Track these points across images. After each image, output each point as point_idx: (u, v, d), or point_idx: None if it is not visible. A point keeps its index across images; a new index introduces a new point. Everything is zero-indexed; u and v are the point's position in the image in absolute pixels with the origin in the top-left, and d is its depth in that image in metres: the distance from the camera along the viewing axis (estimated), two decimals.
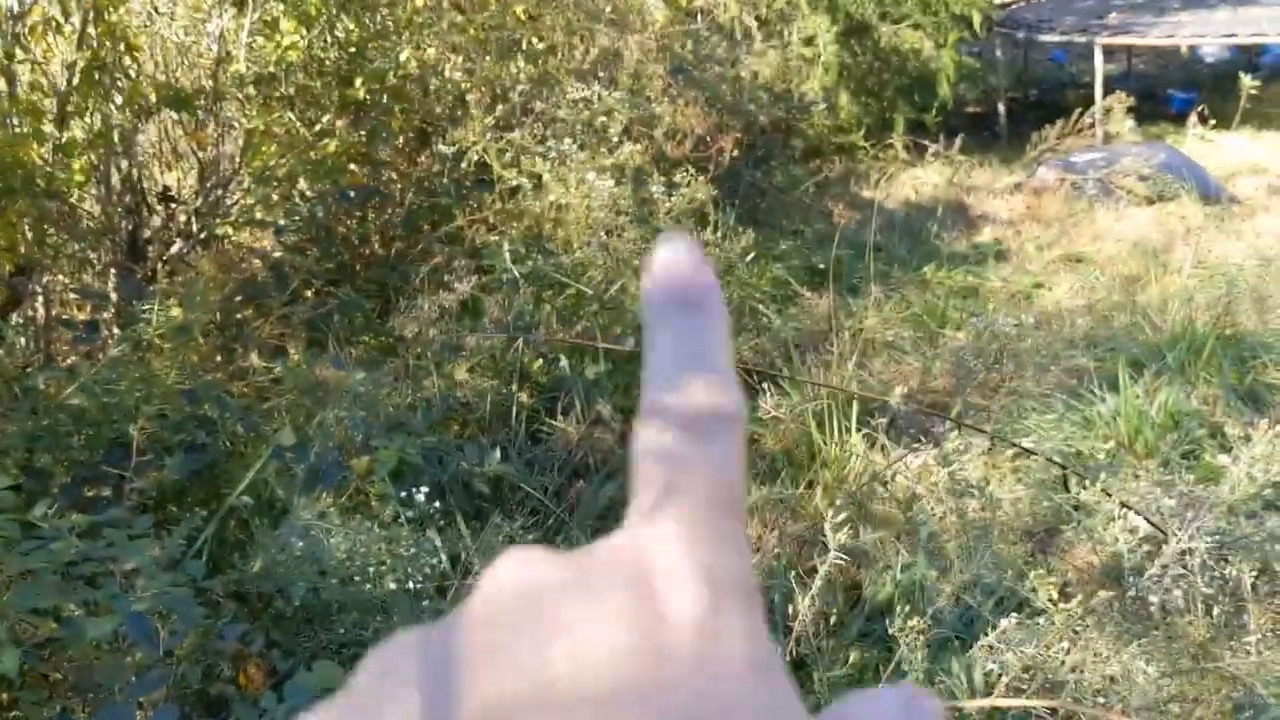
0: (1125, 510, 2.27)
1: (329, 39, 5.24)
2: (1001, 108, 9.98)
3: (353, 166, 5.37)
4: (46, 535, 2.25)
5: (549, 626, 0.24)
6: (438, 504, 2.77)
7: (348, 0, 5.14)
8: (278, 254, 4.99)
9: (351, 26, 5.27)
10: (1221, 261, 6.32)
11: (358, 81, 5.04)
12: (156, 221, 4.97)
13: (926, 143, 7.83)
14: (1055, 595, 2.25)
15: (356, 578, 2.31)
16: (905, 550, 3.33)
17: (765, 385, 4.50)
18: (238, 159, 5.04)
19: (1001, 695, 2.08)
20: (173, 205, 5.04)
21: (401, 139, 5.57)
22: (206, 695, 2.30)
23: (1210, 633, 2.26)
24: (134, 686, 2.10)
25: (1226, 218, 7.18)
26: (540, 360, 4.33)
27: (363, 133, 5.29)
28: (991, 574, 2.77)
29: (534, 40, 5.49)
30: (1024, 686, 2.21)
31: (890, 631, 2.23)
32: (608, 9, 5.56)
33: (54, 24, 4.21)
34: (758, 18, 7.91)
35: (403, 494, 2.63)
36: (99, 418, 3.13)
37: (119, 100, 4.48)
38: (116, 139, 4.50)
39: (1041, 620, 2.26)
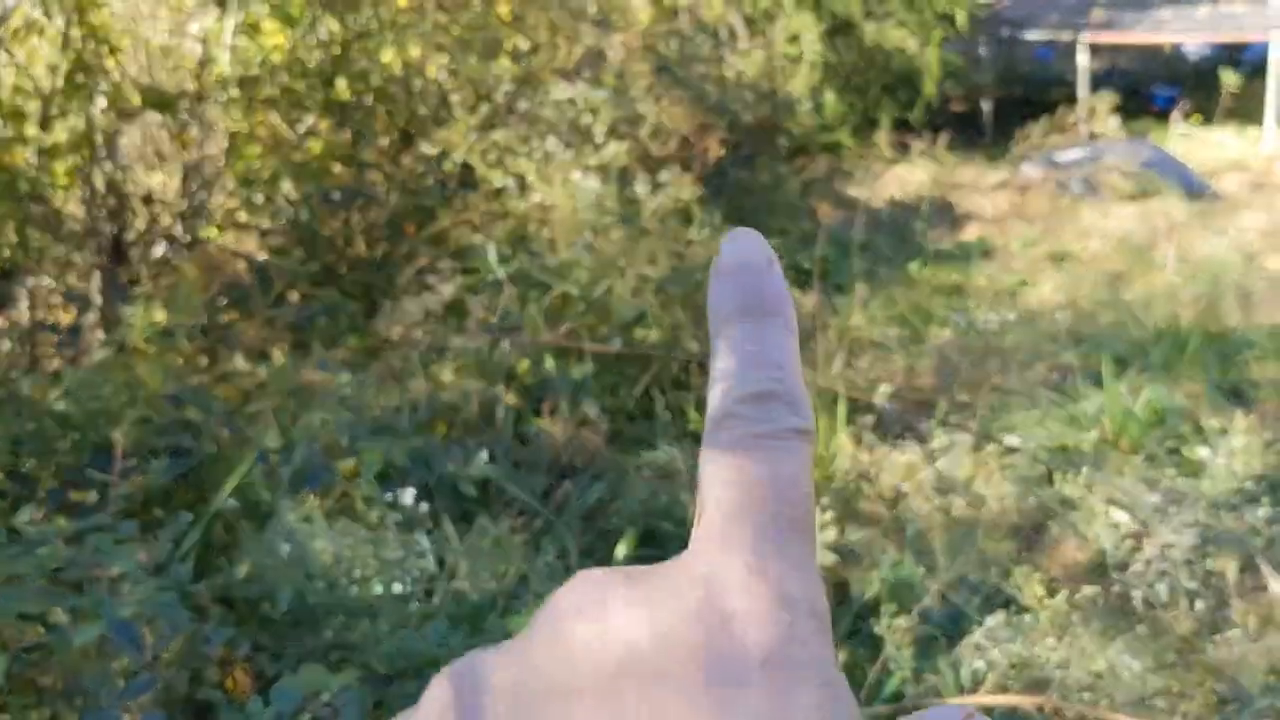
0: (1109, 506, 2.28)
1: (312, 40, 5.23)
2: (986, 105, 10.01)
3: (337, 168, 5.36)
4: (32, 540, 2.24)
5: (631, 674, 0.24)
6: (425, 506, 2.77)
7: (331, 1, 5.13)
8: (262, 256, 4.98)
9: (335, 27, 5.26)
10: (1205, 258, 6.35)
11: (341, 82, 5.03)
12: (140, 224, 4.95)
13: (911, 140, 7.85)
14: (1041, 592, 2.26)
15: (343, 581, 2.31)
16: (892, 548, 3.34)
17: None
18: (221, 161, 5.02)
19: (989, 693, 2.09)
20: (156, 208, 5.03)
21: (385, 140, 5.56)
22: (193, 700, 2.30)
23: (1194, 627, 2.27)
24: (121, 692, 2.09)
25: (1209, 214, 7.22)
26: (527, 361, 4.33)
27: (347, 134, 5.29)
28: (978, 571, 2.78)
29: (518, 40, 5.49)
30: (1011, 683, 2.22)
31: (877, 630, 2.23)
32: (592, 8, 5.56)
33: (37, 27, 4.19)
34: (742, 16, 7.93)
35: (389, 496, 2.62)
36: (83, 422, 3.12)
37: (102, 103, 4.47)
38: (100, 141, 4.49)
39: (1028, 617, 2.27)
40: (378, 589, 2.30)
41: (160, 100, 4.57)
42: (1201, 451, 2.70)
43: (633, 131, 5.31)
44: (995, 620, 2.15)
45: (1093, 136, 8.57)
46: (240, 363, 3.75)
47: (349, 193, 5.06)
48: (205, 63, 4.82)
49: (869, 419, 4.11)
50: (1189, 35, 10.08)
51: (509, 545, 2.80)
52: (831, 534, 2.28)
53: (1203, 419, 4.16)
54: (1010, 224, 7.33)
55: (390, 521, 2.62)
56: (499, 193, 5.11)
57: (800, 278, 5.85)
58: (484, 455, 3.07)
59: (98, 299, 4.30)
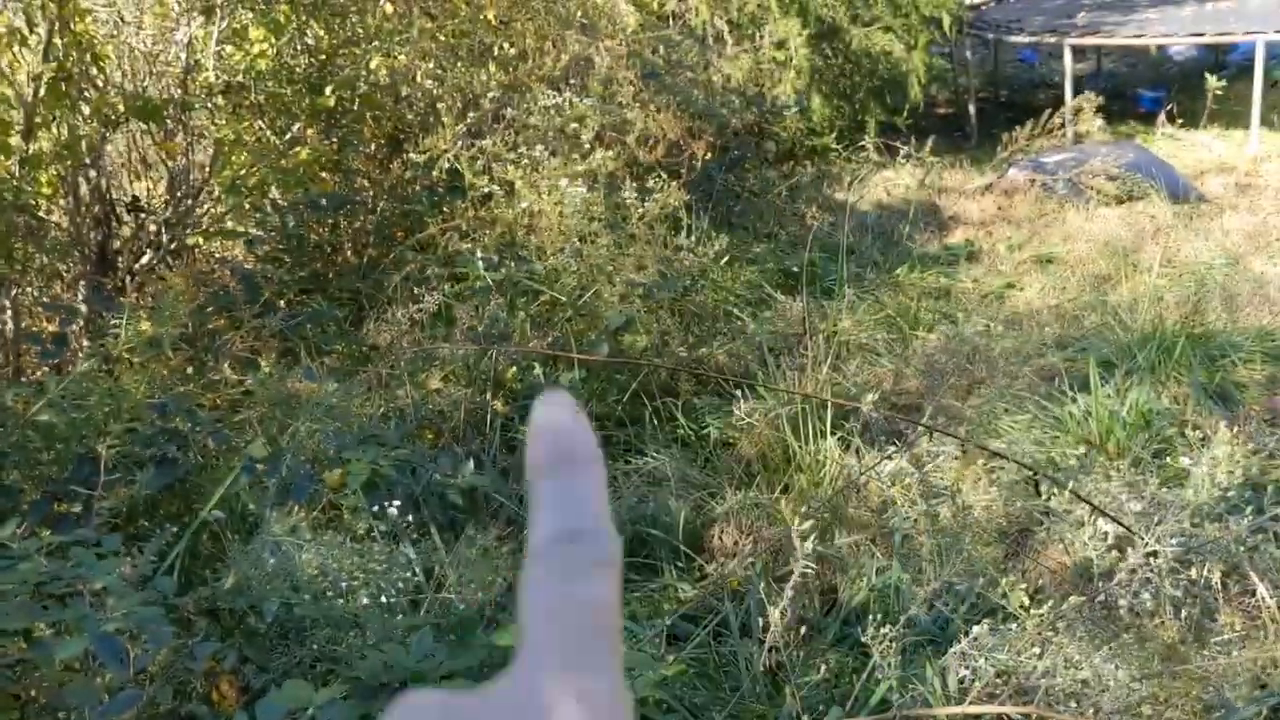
0: (1095, 514, 2.29)
1: (298, 47, 5.22)
2: (972, 109, 10.04)
3: (324, 175, 5.35)
4: (15, 555, 2.23)
5: None
6: (411, 517, 2.76)
7: (317, 8, 5.12)
8: (249, 264, 4.96)
9: (321, 34, 5.25)
10: (1191, 260, 6.38)
11: (328, 89, 5.02)
12: (126, 232, 4.93)
13: (898, 144, 7.86)
14: (1026, 601, 2.26)
15: (329, 593, 2.30)
16: (880, 554, 3.34)
17: (740, 390, 4.51)
18: (208, 168, 5.01)
19: (975, 701, 2.09)
20: (142, 216, 5.01)
21: (373, 146, 5.56)
22: (178, 714, 2.29)
23: (1179, 635, 2.28)
24: (105, 707, 2.08)
25: (1195, 216, 7.24)
26: (514, 368, 4.33)
27: (334, 141, 5.28)
28: (965, 579, 2.78)
29: (505, 46, 5.48)
30: (997, 692, 2.22)
31: (864, 639, 2.23)
32: (579, 14, 5.56)
33: (19, 36, 4.17)
34: (729, 22, 7.93)
35: (375, 507, 2.62)
36: (68, 433, 3.10)
37: (86, 111, 4.45)
38: (84, 150, 4.47)
39: (1014, 625, 2.28)
40: (364, 601, 2.29)
41: (145, 108, 4.55)
42: (1183, 459, 2.71)
43: (620, 138, 5.31)
44: (981, 629, 2.15)
45: (1078, 139, 8.60)
46: (227, 372, 3.74)
47: (337, 200, 5.05)
48: (191, 70, 4.80)
49: (857, 425, 4.11)
50: (1174, 37, 10.12)
51: (496, 555, 2.80)
52: (815, 542, 2.28)
53: (1188, 422, 4.18)
54: (996, 227, 7.35)
55: (377, 532, 2.61)
56: (486, 199, 5.11)
57: (788, 282, 5.86)
58: (471, 464, 3.06)
59: (83, 308, 4.28)
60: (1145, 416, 4.16)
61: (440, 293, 4.53)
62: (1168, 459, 3.90)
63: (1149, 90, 10.82)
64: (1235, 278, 5.95)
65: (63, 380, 3.12)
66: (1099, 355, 4.73)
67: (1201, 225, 7.08)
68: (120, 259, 4.80)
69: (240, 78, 4.96)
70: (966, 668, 2.13)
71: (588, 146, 5.07)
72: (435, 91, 5.26)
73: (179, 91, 4.82)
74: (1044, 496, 2.58)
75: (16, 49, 4.21)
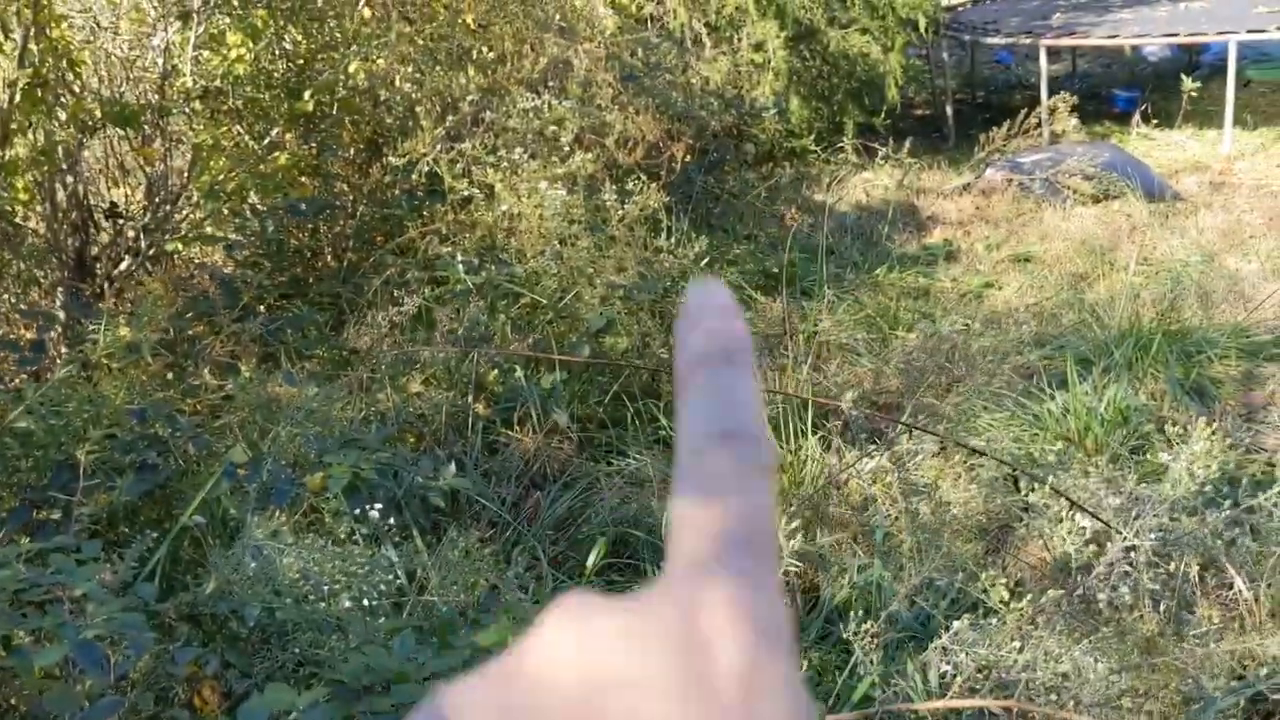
0: (1073, 510, 2.31)
1: (276, 51, 5.20)
2: (949, 110, 10.09)
3: (303, 179, 5.34)
4: None
5: (610, 694, 0.25)
6: (393, 520, 2.76)
7: (295, 12, 5.11)
8: (228, 269, 4.95)
9: (299, 38, 5.24)
10: (1166, 258, 6.43)
11: (306, 94, 5.01)
12: (104, 238, 4.91)
13: (876, 146, 7.90)
14: (1006, 596, 2.28)
15: (311, 596, 2.30)
16: (861, 552, 3.36)
17: None
18: (186, 174, 4.99)
19: (956, 696, 2.10)
20: (120, 222, 4.98)
21: (352, 151, 5.55)
22: None
23: (1158, 628, 2.30)
24: (85, 714, 2.07)
25: (1170, 215, 7.30)
26: (496, 371, 4.32)
27: (313, 145, 5.26)
28: (945, 575, 2.80)
29: (483, 50, 5.48)
30: (978, 686, 2.23)
31: (845, 635, 2.25)
32: (557, 17, 5.57)
33: None
34: (707, 24, 7.96)
35: (357, 510, 2.62)
36: (47, 440, 3.09)
37: (63, 117, 4.43)
38: (61, 156, 4.45)
39: (994, 620, 2.29)
40: (346, 604, 2.29)
41: (122, 114, 4.53)
42: (1162, 455, 2.74)
43: (599, 140, 5.32)
44: (961, 624, 2.17)
45: (1055, 139, 8.66)
46: (207, 377, 3.73)
47: (316, 204, 5.03)
48: (168, 75, 4.78)
49: (837, 424, 4.13)
50: (1148, 38, 10.20)
51: (478, 557, 2.80)
52: (800, 541, 2.29)
53: (1166, 418, 4.21)
54: (974, 227, 7.40)
55: (358, 535, 2.61)
56: (466, 203, 5.11)
57: (768, 283, 5.88)
58: (452, 467, 3.06)
59: (61, 315, 4.26)
60: (1123, 413, 4.19)
61: (420, 296, 4.53)
62: (1145, 455, 3.93)
63: (1124, 90, 10.90)
64: (1210, 275, 6.00)
65: (41, 387, 3.11)
66: (1077, 353, 4.77)
67: (1177, 223, 7.14)
68: (98, 265, 4.78)
69: (218, 83, 4.95)
70: (947, 663, 2.14)
71: (567, 149, 5.08)
72: (414, 95, 5.26)
73: (156, 97, 4.80)
74: (1023, 493, 2.60)
75: None
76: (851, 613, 2.36)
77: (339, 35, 5.21)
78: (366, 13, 5.19)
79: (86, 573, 2.16)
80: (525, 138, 5.08)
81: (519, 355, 4.35)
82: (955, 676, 2.15)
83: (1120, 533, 2.19)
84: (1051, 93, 8.70)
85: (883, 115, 8.87)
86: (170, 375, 3.94)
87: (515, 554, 3.13)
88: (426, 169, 5.02)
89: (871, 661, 2.13)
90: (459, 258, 4.69)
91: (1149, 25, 10.02)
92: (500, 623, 1.86)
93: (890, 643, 2.54)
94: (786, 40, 8.28)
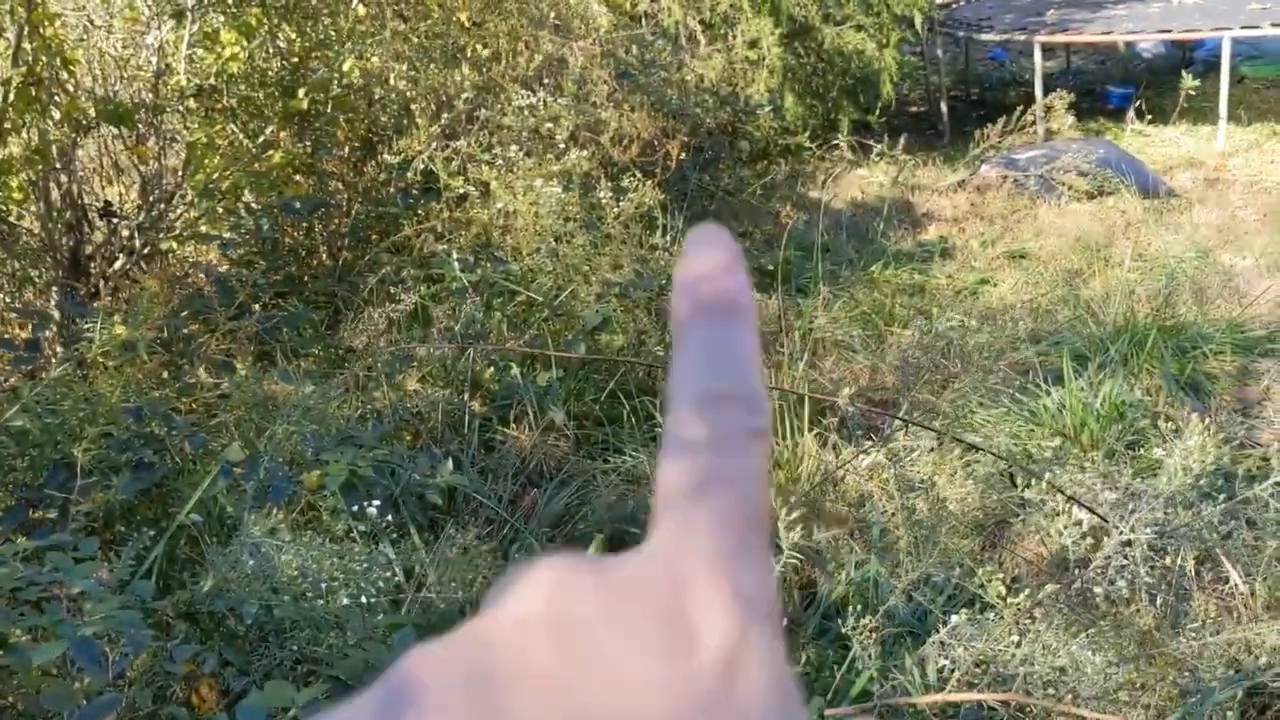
0: (1070, 504, 2.31)
1: (271, 49, 5.19)
2: (944, 107, 10.10)
3: (298, 178, 5.33)
4: None
5: (585, 656, 0.24)
6: (390, 517, 2.76)
7: (289, 10, 5.10)
8: (223, 267, 4.94)
9: (294, 36, 5.23)
10: (1161, 254, 6.44)
11: (301, 92, 5.00)
12: (99, 238, 4.90)
13: (871, 143, 7.90)
14: (1003, 590, 2.28)
15: (309, 594, 2.30)
16: (858, 548, 3.36)
17: None
18: (180, 172, 4.98)
19: (954, 690, 2.11)
20: (115, 221, 4.98)
21: (346, 149, 5.54)
22: (158, 717, 2.28)
23: (1155, 621, 2.31)
24: (83, 712, 2.07)
25: (1165, 211, 7.32)
26: (491, 368, 4.32)
27: (307, 144, 5.26)
28: (941, 570, 2.80)
29: (478, 48, 5.48)
30: (976, 681, 2.24)
31: (844, 630, 2.25)
32: (551, 15, 5.57)
33: None
34: (702, 21, 7.95)
35: (354, 508, 2.61)
36: (42, 439, 3.08)
37: (56, 115, 4.42)
38: (55, 155, 4.44)
39: (991, 615, 2.30)
40: (344, 601, 2.29)
41: (116, 113, 4.52)
42: (1156, 450, 2.74)
43: (594, 137, 5.32)
44: (959, 619, 2.17)
45: (1049, 136, 8.67)
46: (203, 375, 3.72)
47: (311, 203, 5.03)
48: (162, 74, 4.77)
49: (834, 420, 4.14)
50: (1142, 34, 10.21)
51: (476, 554, 2.80)
52: (798, 535, 2.30)
53: (1161, 413, 4.22)
54: (970, 223, 7.40)
55: (356, 533, 2.61)
56: (461, 200, 5.11)
57: (763, 280, 5.88)
58: (449, 464, 3.06)
59: (55, 314, 4.25)
60: (1118, 408, 4.20)
61: (416, 294, 4.53)
62: (1141, 450, 3.94)
63: (1118, 87, 10.92)
64: (1205, 271, 6.02)
65: (36, 386, 3.10)
66: (1072, 349, 4.78)
67: (1171, 220, 7.15)
68: (93, 264, 4.77)
69: (212, 81, 4.94)
70: (945, 657, 2.15)
71: (562, 146, 5.07)
72: (409, 93, 5.25)
73: (150, 95, 4.79)
74: (1019, 488, 2.61)
75: None
76: (850, 608, 2.37)
77: (333, 33, 5.20)
78: (361, 11, 5.18)
79: (84, 571, 2.16)
80: (520, 135, 5.08)
81: (515, 352, 4.35)
82: (953, 671, 2.15)
83: (1117, 527, 2.20)
84: (1046, 89, 8.72)
85: (878, 112, 8.87)
86: (166, 374, 3.94)
87: (513, 551, 3.13)
88: (422, 167, 5.01)
89: (870, 656, 2.14)
90: (454, 255, 4.68)
91: (1143, 21, 10.04)
92: None
93: (888, 638, 2.54)
94: (781, 37, 8.28)
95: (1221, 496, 2.40)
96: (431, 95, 5.25)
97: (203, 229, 5.08)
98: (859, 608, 2.34)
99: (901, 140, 7.50)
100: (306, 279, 5.11)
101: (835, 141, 8.13)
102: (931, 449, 3.18)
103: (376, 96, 5.31)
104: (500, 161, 4.96)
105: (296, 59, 5.19)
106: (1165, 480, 2.24)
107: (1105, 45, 11.75)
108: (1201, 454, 2.28)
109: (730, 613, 0.24)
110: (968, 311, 5.58)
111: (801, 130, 8.56)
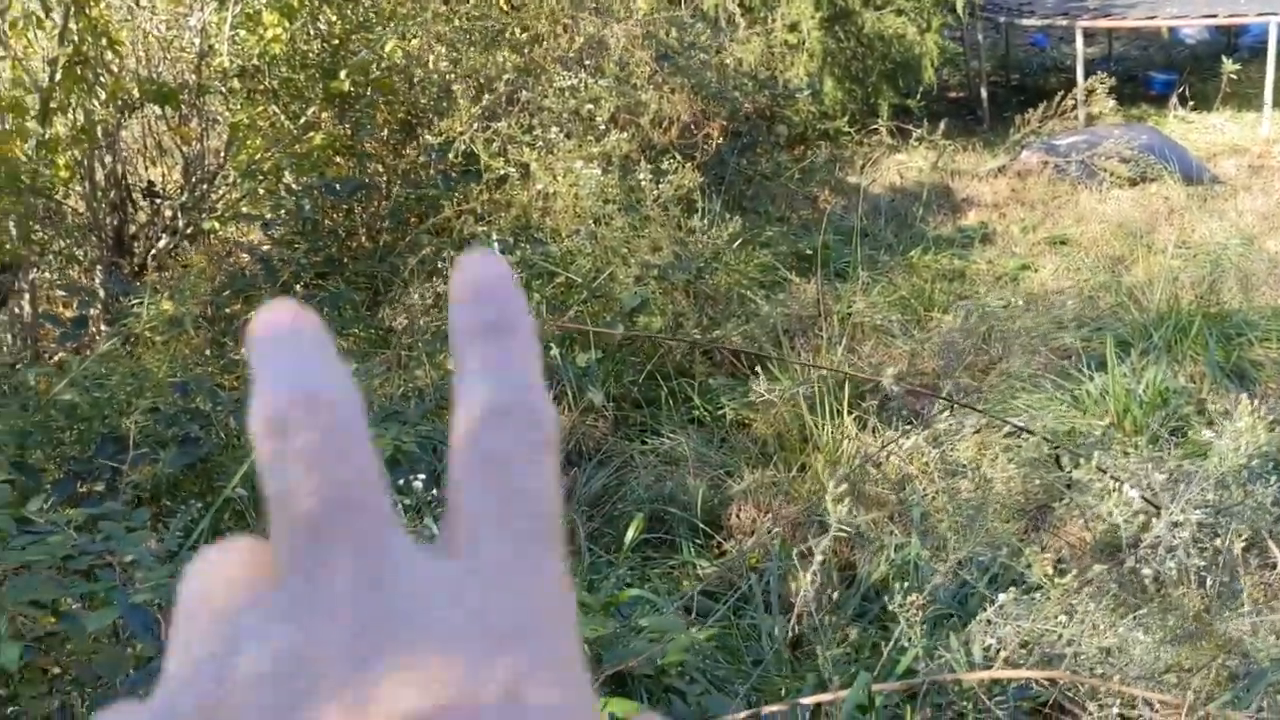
0: (1119, 485, 2.29)
1: (312, 31, 5.21)
2: (984, 92, 10.01)
3: (338, 159, 5.36)
4: (42, 529, 2.25)
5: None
6: (435, 491, 2.77)
7: None
8: (265, 248, 4.98)
9: (334, 18, 5.25)
10: (1205, 241, 6.36)
11: (342, 73, 5.02)
12: (142, 217, 4.95)
13: (910, 127, 7.84)
14: (1050, 570, 2.27)
15: None
16: (898, 531, 3.35)
17: (756, 369, 4.51)
18: (222, 153, 5.02)
19: (1002, 669, 2.10)
20: (158, 200, 5.02)
21: (385, 131, 5.56)
22: None
23: (1204, 603, 2.28)
24: (134, 678, 2.10)
25: (1209, 198, 7.22)
26: None
27: (347, 126, 5.28)
28: (985, 551, 2.79)
29: (517, 31, 5.48)
30: (1020, 661, 2.23)
31: (890, 608, 2.24)
32: None
33: (35, 19, 4.18)
34: (741, 4, 7.92)
35: (400, 482, 2.62)
36: (91, 413, 3.12)
37: (102, 96, 4.46)
38: (100, 135, 4.48)
39: (1037, 595, 2.28)
40: None
41: (160, 93, 4.56)
42: (1205, 432, 2.71)
43: (634, 119, 5.31)
44: (1007, 597, 2.16)
45: (1090, 122, 8.57)
46: (245, 353, 3.75)
47: (352, 184, 5.05)
48: (205, 55, 4.81)
49: (873, 404, 4.12)
50: (1187, 19, 10.07)
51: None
52: (844, 509, 2.29)
53: (1206, 400, 4.18)
54: (1010, 209, 7.34)
55: (401, 506, 2.62)
56: (501, 182, 5.11)
57: (801, 265, 5.86)
58: None
59: (100, 292, 4.30)
60: (1162, 395, 4.16)
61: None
62: (1185, 436, 3.90)
63: (1160, 73, 10.78)
64: (1250, 258, 5.93)
65: (84, 360, 3.14)
66: (1115, 335, 4.73)
67: (1215, 206, 7.06)
68: (136, 243, 4.82)
69: (254, 62, 4.97)
70: (992, 636, 2.14)
71: (602, 128, 5.07)
72: (450, 75, 5.26)
73: (193, 76, 4.83)
74: (1066, 469, 2.59)
75: (32, 33, 4.22)
76: (895, 585, 2.36)
77: (374, 15, 5.21)
78: None
79: (135, 540, 2.19)
80: (561, 117, 5.07)
81: (555, 332, 4.36)
82: (999, 650, 2.14)
83: (1167, 507, 2.18)
84: (1087, 75, 8.61)
85: (918, 97, 8.80)
86: (209, 351, 3.97)
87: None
88: (463, 148, 5.02)
89: (916, 634, 2.13)
90: (494, 237, 4.69)
91: (1187, 6, 9.90)
92: None
93: (931, 618, 2.53)
94: (821, 21, 8.23)
95: (1274, 479, 2.38)
96: (472, 77, 5.26)
97: (244, 209, 5.12)
98: (905, 586, 2.33)
99: (941, 125, 7.44)
100: (346, 260, 5.14)
101: (874, 126, 8.08)
102: (976, 431, 3.16)
103: (417, 78, 5.32)
104: (540, 143, 4.97)
105: (337, 41, 5.20)
106: (1216, 461, 2.21)
107: (1148, 30, 11.60)
108: (1252, 435, 2.25)
109: (514, 611, 0.24)
110: (1008, 297, 5.54)
111: (840, 115, 8.52)
